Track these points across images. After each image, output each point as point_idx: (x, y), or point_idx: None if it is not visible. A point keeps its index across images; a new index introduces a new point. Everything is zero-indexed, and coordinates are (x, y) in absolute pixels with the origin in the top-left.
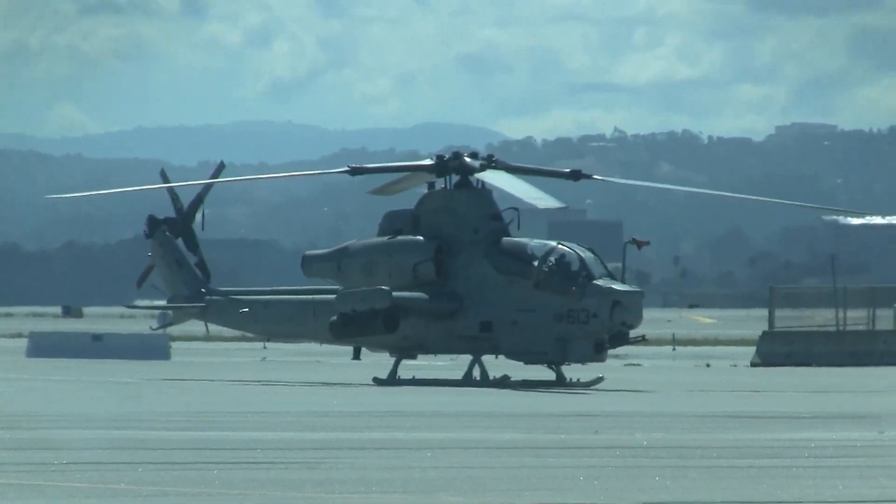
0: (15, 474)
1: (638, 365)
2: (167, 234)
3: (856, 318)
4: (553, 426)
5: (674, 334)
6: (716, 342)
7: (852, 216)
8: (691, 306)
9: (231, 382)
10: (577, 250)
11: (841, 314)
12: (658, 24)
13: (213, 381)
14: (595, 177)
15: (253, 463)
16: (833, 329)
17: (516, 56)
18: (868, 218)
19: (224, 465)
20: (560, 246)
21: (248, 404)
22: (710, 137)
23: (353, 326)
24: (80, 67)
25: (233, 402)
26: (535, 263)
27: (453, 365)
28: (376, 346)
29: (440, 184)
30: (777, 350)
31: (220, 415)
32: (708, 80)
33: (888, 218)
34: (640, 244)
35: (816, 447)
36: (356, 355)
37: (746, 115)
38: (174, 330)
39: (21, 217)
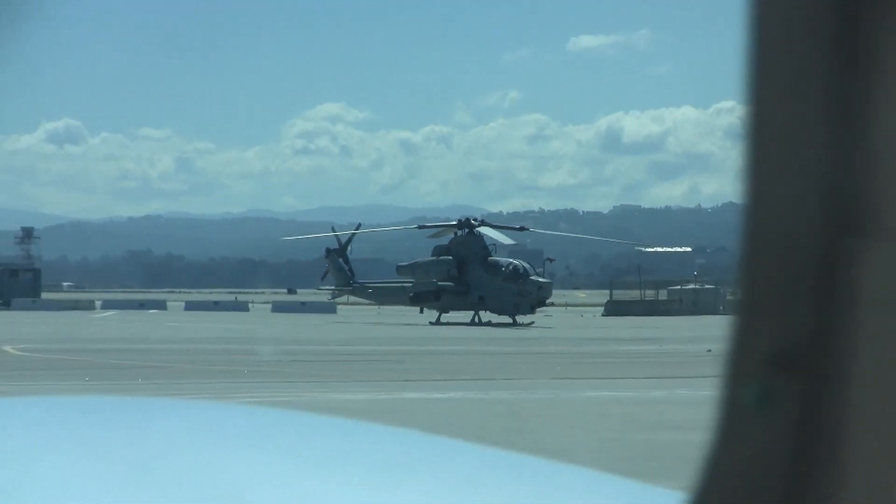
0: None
1: (549, 315)
2: (335, 256)
3: (650, 295)
4: (508, 340)
5: (566, 301)
6: (584, 305)
7: (648, 247)
8: (575, 288)
9: (365, 324)
10: (522, 263)
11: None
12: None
13: (355, 323)
14: (530, 229)
15: (375, 360)
16: (638, 300)
17: (494, 174)
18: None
19: (364, 361)
20: (514, 261)
21: (373, 333)
22: (584, 211)
23: (420, 298)
24: None
25: (365, 332)
26: (503, 269)
27: (464, 316)
28: (430, 308)
29: (460, 232)
30: (613, 309)
31: (357, 338)
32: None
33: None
34: (550, 260)
35: (630, 353)
36: (421, 311)
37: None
38: (339, 301)
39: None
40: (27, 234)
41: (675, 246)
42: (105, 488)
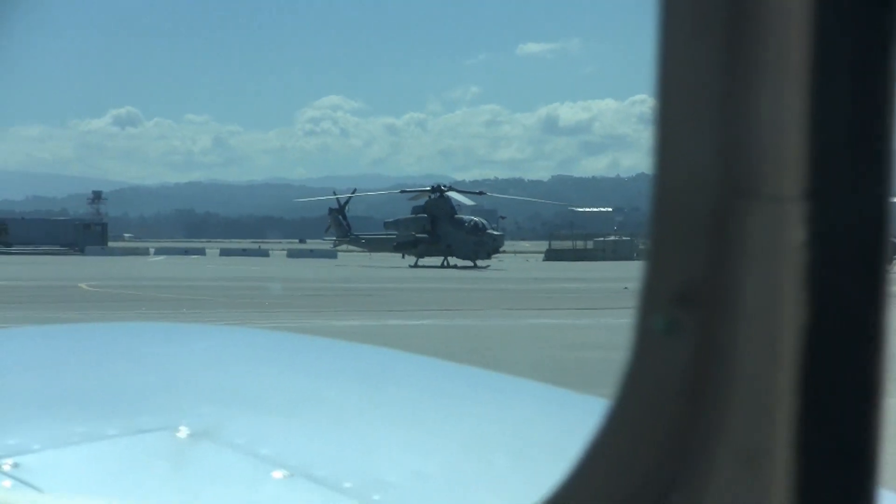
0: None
1: (501, 261)
2: (336, 214)
3: (580, 245)
4: (470, 279)
5: (514, 250)
6: (528, 252)
7: (579, 208)
8: (521, 239)
9: (360, 267)
10: (481, 220)
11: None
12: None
13: (351, 266)
14: (487, 193)
15: (362, 295)
16: (571, 248)
17: (459, 150)
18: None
19: (353, 295)
20: (475, 218)
21: (365, 274)
22: (528, 179)
23: (402, 247)
24: None
25: (359, 273)
26: (466, 224)
27: (436, 261)
28: (410, 254)
29: (433, 196)
30: (552, 256)
31: (353, 278)
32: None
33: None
34: (502, 218)
35: (565, 289)
36: (403, 257)
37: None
38: (339, 249)
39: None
40: (97, 196)
41: (600, 207)
42: (128, 403)
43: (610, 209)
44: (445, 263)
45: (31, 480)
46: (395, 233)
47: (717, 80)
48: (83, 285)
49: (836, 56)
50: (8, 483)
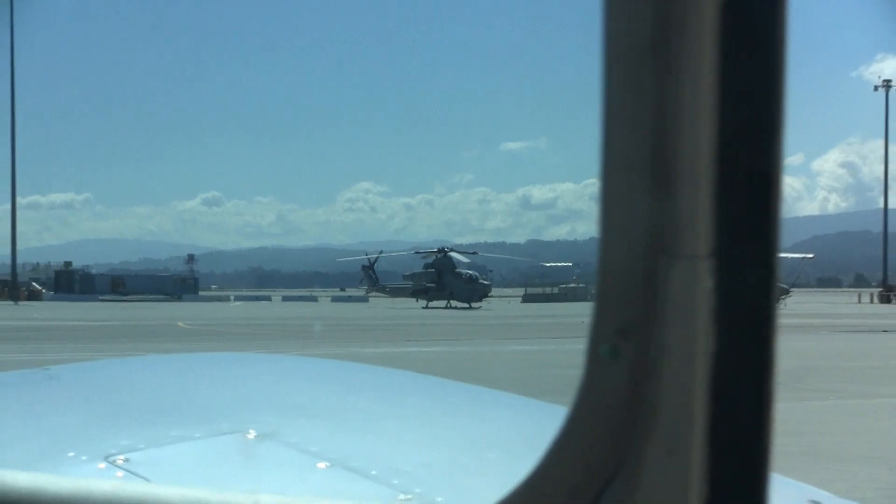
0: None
1: (490, 303)
2: (368, 270)
3: (549, 290)
4: (467, 317)
5: (500, 295)
6: (510, 296)
7: (547, 263)
8: (505, 286)
9: (384, 308)
10: (474, 272)
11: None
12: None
13: (379, 307)
14: (478, 253)
15: (390, 328)
16: (542, 293)
17: (458, 222)
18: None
19: (383, 329)
20: (470, 271)
21: (388, 313)
22: (509, 243)
23: (417, 293)
24: None
25: (384, 312)
26: (463, 276)
27: (442, 304)
28: (422, 298)
29: (439, 255)
30: (528, 299)
31: (380, 316)
32: (509, 228)
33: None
34: (490, 271)
35: (539, 323)
36: (416, 301)
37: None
38: (370, 295)
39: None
40: (190, 258)
41: (563, 262)
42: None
43: (570, 264)
44: (449, 305)
45: (138, 472)
46: (412, 283)
47: (644, 174)
48: (180, 323)
49: (734, 160)
50: (121, 473)
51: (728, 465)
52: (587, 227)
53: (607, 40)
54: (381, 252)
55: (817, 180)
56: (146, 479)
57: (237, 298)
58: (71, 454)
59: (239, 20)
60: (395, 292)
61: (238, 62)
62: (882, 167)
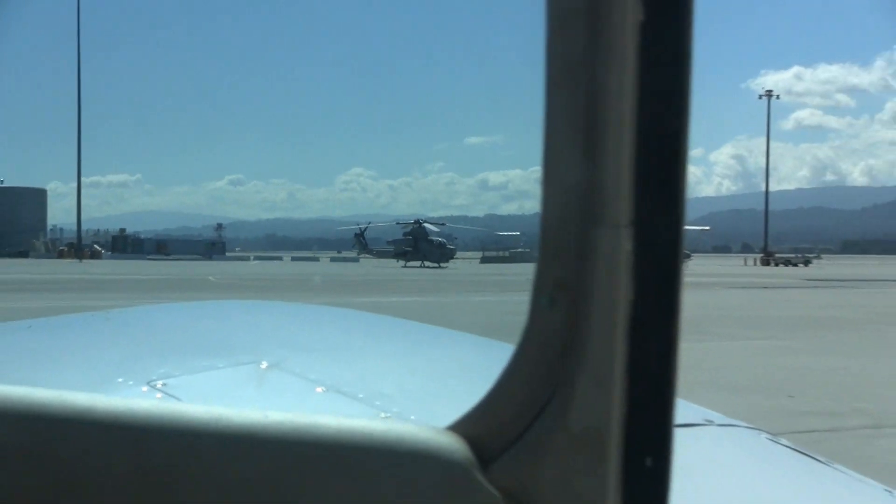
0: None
1: (456, 263)
2: (359, 237)
3: (502, 254)
4: (437, 274)
5: (462, 257)
6: (470, 259)
7: (501, 232)
8: (466, 250)
9: (372, 268)
10: (443, 239)
11: (500, 253)
12: (461, 193)
13: (367, 266)
14: (446, 224)
15: (376, 283)
16: (496, 256)
17: (430, 200)
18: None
19: (371, 283)
20: (440, 238)
21: (375, 271)
22: (471, 216)
23: (398, 255)
24: None
25: (371, 271)
26: (434, 242)
27: (417, 265)
28: (401, 259)
29: (415, 226)
30: (486, 260)
31: (369, 273)
32: (472, 205)
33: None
34: (455, 238)
35: (496, 280)
36: (397, 261)
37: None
38: (361, 257)
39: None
40: (219, 226)
41: (512, 232)
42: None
43: (518, 233)
44: (423, 265)
45: (173, 394)
46: (393, 247)
47: (576, 154)
48: (210, 278)
49: (650, 151)
50: (159, 395)
51: (642, 391)
52: (532, 204)
53: (548, 54)
54: (369, 223)
55: (714, 169)
56: (179, 400)
57: (255, 258)
58: (120, 380)
59: (271, 36)
60: (381, 255)
61: (259, 71)
62: (764, 159)
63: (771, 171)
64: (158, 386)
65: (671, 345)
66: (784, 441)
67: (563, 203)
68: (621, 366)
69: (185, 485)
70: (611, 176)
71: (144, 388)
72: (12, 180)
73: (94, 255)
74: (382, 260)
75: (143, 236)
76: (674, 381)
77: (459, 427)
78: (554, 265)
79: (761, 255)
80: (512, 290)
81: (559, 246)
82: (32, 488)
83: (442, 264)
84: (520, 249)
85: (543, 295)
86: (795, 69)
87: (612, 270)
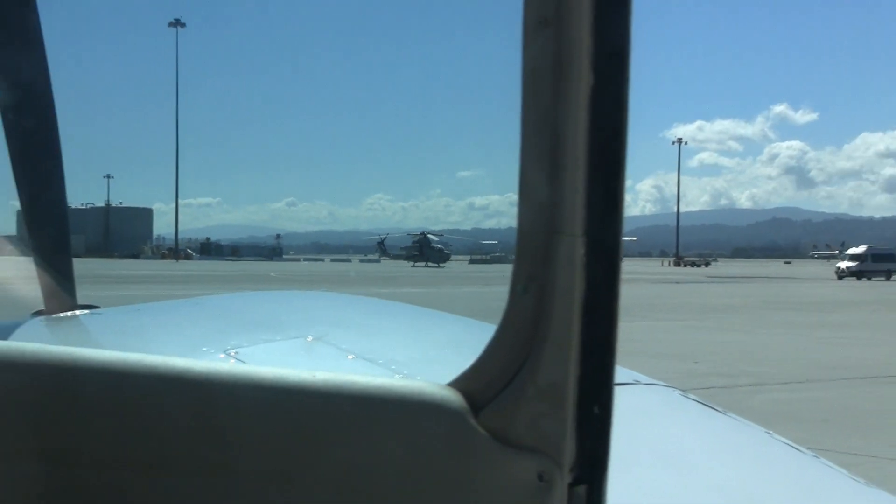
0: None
1: (451, 264)
2: (380, 244)
3: (486, 258)
4: (436, 272)
5: (456, 260)
6: (461, 260)
7: (487, 241)
8: (458, 254)
9: (388, 266)
10: (442, 246)
11: (484, 257)
12: (454, 212)
13: (386, 265)
14: (444, 235)
15: (390, 277)
16: (481, 259)
17: (432, 217)
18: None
19: (385, 278)
20: (440, 245)
21: (391, 269)
22: (462, 229)
23: (409, 258)
24: None
25: (387, 269)
26: (435, 248)
27: (424, 266)
28: (411, 261)
29: (420, 236)
30: (474, 262)
31: (387, 271)
32: (463, 221)
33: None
34: (450, 245)
35: (483, 276)
36: (408, 262)
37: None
38: (382, 259)
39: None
40: (277, 236)
41: (492, 240)
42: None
43: (496, 242)
44: (426, 265)
45: (243, 359)
46: (405, 252)
47: (544, 182)
48: (271, 274)
49: (598, 177)
50: (233, 361)
51: (590, 358)
52: (507, 221)
53: (523, 108)
54: (388, 234)
55: (639, 195)
56: (246, 363)
57: (304, 260)
58: (205, 349)
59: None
60: (396, 257)
61: (309, 119)
62: (676, 188)
63: (681, 196)
64: (233, 354)
65: (612, 323)
66: (692, 396)
67: (534, 217)
68: (576, 338)
69: (248, 427)
70: (568, 198)
71: (222, 356)
72: (129, 202)
73: (187, 257)
74: (397, 261)
75: (222, 243)
76: (614, 350)
77: (457, 384)
78: (527, 263)
79: (674, 258)
80: (492, 284)
81: (530, 249)
82: (149, 432)
83: (441, 265)
84: (498, 254)
85: (519, 284)
86: (698, 122)
87: (569, 268)
